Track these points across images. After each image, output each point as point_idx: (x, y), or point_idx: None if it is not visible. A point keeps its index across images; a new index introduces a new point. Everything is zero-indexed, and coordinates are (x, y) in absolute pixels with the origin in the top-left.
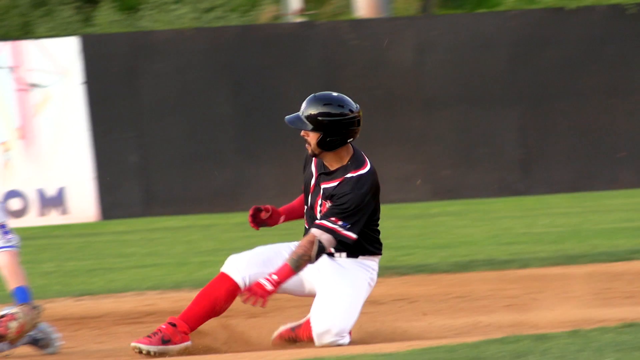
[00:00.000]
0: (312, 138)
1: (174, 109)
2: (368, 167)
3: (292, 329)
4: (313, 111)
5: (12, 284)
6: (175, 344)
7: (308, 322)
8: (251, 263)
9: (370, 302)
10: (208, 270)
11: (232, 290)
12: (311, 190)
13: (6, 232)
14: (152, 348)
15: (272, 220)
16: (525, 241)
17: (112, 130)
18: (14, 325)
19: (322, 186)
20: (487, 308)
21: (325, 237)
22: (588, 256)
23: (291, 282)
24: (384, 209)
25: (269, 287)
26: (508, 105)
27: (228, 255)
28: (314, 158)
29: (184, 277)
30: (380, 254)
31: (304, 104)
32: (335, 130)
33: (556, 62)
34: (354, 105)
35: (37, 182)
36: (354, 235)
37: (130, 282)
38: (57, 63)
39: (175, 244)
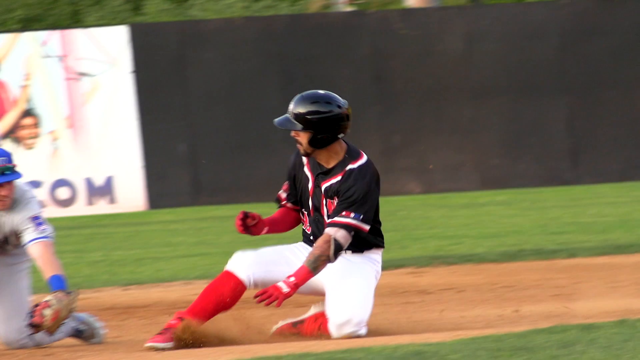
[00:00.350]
0: (303, 138)
1: (222, 98)
2: (365, 157)
3: (294, 325)
4: (302, 110)
5: (47, 273)
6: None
7: (312, 318)
8: (256, 262)
9: (418, 292)
10: None
11: (237, 287)
12: (310, 193)
13: (39, 224)
14: (168, 345)
15: (256, 229)
16: (573, 231)
17: (160, 119)
18: (48, 312)
19: (323, 186)
20: (535, 298)
21: (340, 234)
22: (635, 246)
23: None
24: (433, 198)
25: (285, 289)
26: (557, 95)
27: (275, 244)
28: (305, 162)
29: None
30: (384, 247)
31: (291, 104)
32: (326, 128)
33: (605, 51)
34: (342, 101)
35: (86, 171)
36: (366, 227)
37: (177, 271)
38: (106, 52)
39: (223, 233)
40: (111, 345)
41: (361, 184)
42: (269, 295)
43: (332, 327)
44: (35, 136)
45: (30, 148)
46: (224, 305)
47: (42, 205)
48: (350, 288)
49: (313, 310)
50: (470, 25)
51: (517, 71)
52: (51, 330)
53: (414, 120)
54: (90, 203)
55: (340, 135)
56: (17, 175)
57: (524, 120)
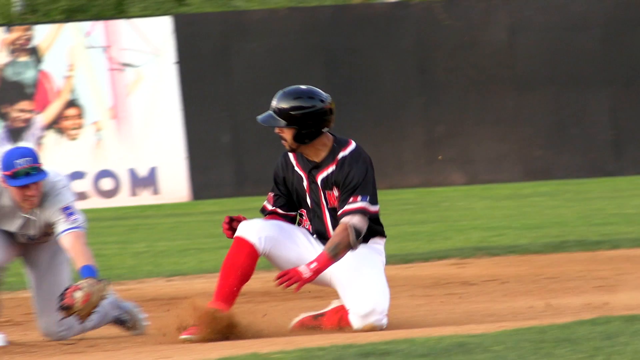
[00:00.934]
0: (287, 134)
1: (266, 89)
2: (354, 143)
3: (315, 317)
4: (285, 106)
5: (79, 263)
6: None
7: (333, 311)
8: (265, 226)
9: (462, 283)
10: None
11: (251, 253)
12: (307, 191)
13: (70, 214)
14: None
15: None
16: (616, 222)
17: (204, 110)
18: (79, 294)
19: (319, 179)
20: (578, 289)
21: (356, 220)
22: None
23: (289, 260)
24: (476, 189)
25: (306, 274)
26: (600, 86)
27: None
28: (294, 163)
29: None
30: (385, 236)
31: (274, 101)
32: (309, 123)
33: None
34: (324, 95)
35: (129, 162)
36: (376, 207)
37: (221, 262)
38: (150, 43)
39: None
40: (154, 336)
41: (357, 168)
42: (289, 277)
43: (355, 319)
44: (79, 127)
45: (73, 139)
46: (245, 275)
47: (74, 193)
48: (367, 278)
49: (335, 304)
50: (513, 16)
51: (561, 62)
52: (82, 315)
53: (457, 111)
54: (133, 194)
55: (325, 130)
56: (43, 175)
57: (567, 111)
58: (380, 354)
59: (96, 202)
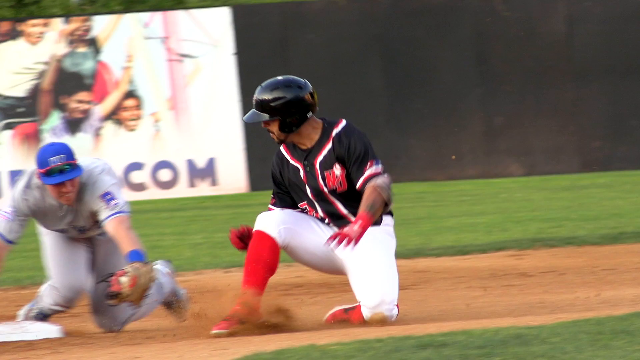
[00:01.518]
0: (273, 126)
1: (324, 80)
2: (345, 120)
3: (345, 311)
4: (265, 99)
5: (125, 249)
6: (254, 317)
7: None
8: (282, 218)
9: (519, 275)
10: None
11: (273, 246)
12: (305, 180)
13: (110, 200)
14: (234, 330)
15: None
16: None
17: None
18: (125, 279)
19: (317, 162)
20: (636, 280)
21: (380, 181)
22: None
23: (317, 256)
24: (534, 180)
25: (357, 231)
26: None
27: None
28: (288, 157)
29: None
30: (393, 215)
31: (254, 98)
32: (292, 110)
33: None
34: (302, 81)
35: (187, 153)
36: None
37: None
38: (208, 34)
39: None
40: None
41: (356, 137)
42: (343, 237)
43: (365, 310)
44: (137, 118)
45: (132, 130)
46: (270, 268)
47: (113, 176)
48: (377, 267)
49: None
50: (572, 7)
51: (619, 53)
52: (134, 300)
53: (515, 102)
54: (191, 185)
55: (310, 114)
56: (77, 172)
57: (625, 102)
58: (438, 346)
59: (154, 193)
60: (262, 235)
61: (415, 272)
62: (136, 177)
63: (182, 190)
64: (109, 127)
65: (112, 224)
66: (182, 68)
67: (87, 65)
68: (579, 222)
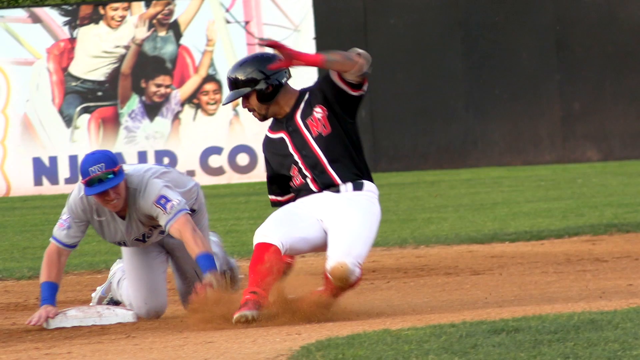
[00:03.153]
0: (252, 100)
1: (404, 65)
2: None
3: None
4: (239, 75)
5: (193, 253)
6: (265, 307)
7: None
8: (277, 226)
9: (594, 260)
10: (433, 227)
11: (277, 253)
12: (292, 145)
13: (165, 203)
14: (255, 313)
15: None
16: None
17: None
18: (210, 294)
19: (297, 117)
20: None
21: (364, 55)
22: None
23: (314, 240)
24: (611, 165)
25: (291, 48)
26: None
27: (456, 211)
28: (273, 135)
29: (408, 234)
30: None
31: (228, 78)
32: (264, 79)
33: None
34: (270, 53)
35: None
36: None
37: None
38: (289, 18)
39: (401, 200)
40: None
41: (328, 75)
42: (275, 43)
43: (330, 262)
44: (216, 102)
45: (210, 114)
46: (279, 274)
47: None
48: (349, 225)
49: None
50: None
51: None
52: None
53: (594, 87)
54: None
55: (284, 80)
56: (117, 179)
57: None
58: (511, 331)
59: (231, 178)
60: (266, 246)
61: (491, 257)
62: (214, 161)
63: (259, 174)
64: (188, 111)
65: (174, 228)
66: (262, 52)
67: (168, 49)
68: None
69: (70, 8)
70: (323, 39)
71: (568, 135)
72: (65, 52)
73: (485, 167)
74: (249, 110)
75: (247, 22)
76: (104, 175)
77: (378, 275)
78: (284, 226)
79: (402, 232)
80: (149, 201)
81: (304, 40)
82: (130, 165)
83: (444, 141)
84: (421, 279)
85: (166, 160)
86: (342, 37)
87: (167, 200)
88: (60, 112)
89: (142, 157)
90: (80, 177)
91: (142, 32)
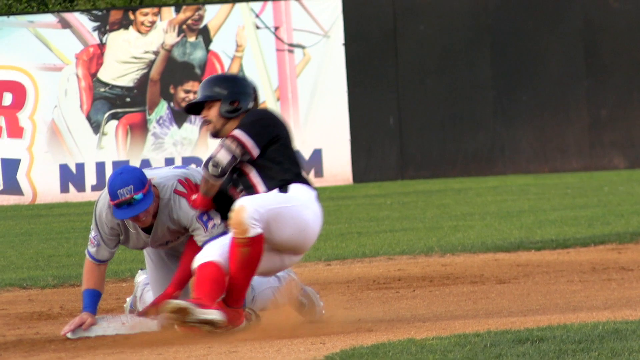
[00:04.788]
0: (213, 110)
1: (432, 71)
2: None
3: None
4: (207, 91)
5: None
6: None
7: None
8: (215, 248)
9: (620, 269)
10: (459, 235)
11: (219, 270)
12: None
13: (207, 221)
14: (189, 305)
15: None
16: None
17: (369, 92)
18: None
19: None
20: None
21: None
22: None
23: (269, 263)
24: (637, 173)
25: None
26: None
27: (481, 219)
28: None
29: (435, 242)
30: (300, 182)
31: (198, 94)
32: (232, 96)
33: None
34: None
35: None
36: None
37: (381, 246)
38: (319, 24)
39: (428, 207)
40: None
41: (254, 112)
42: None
43: (231, 215)
44: None
45: None
46: (222, 286)
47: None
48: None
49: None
50: None
51: None
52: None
53: (622, 94)
54: None
55: (250, 105)
56: (147, 201)
57: None
58: (535, 340)
59: None
60: (207, 265)
61: (517, 265)
62: None
63: None
64: None
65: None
66: (291, 58)
67: (197, 55)
68: None
69: (100, 13)
70: (352, 45)
71: (595, 143)
72: (94, 58)
73: (512, 174)
74: (205, 121)
75: (276, 28)
76: (132, 200)
77: (403, 284)
78: (220, 248)
79: (429, 240)
80: (190, 213)
81: (333, 46)
82: (152, 170)
83: (472, 148)
84: (447, 287)
85: (193, 167)
86: (371, 43)
87: (210, 218)
88: (88, 118)
89: (169, 164)
90: (107, 195)
91: (172, 38)
